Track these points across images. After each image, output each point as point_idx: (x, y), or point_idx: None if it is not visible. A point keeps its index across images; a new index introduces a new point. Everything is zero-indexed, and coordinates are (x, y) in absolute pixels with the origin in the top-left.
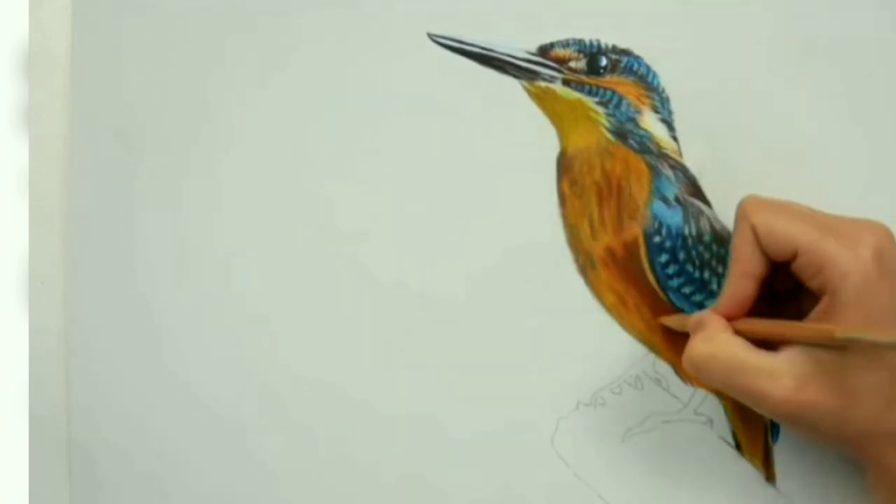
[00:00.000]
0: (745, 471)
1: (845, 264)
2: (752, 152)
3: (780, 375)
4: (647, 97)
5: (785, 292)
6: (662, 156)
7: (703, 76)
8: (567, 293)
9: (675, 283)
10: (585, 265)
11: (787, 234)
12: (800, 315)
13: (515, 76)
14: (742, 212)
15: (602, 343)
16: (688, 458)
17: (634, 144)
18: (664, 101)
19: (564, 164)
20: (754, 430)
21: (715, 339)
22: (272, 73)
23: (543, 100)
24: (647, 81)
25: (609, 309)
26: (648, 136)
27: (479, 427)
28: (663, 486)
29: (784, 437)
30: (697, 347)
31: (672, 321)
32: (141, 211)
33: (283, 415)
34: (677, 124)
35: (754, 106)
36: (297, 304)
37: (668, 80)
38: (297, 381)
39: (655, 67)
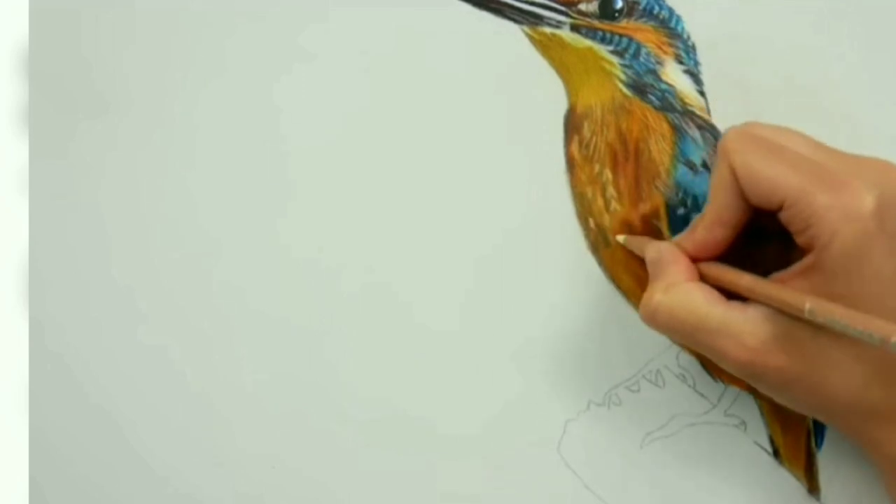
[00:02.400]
0: (784, 481)
1: (836, 221)
2: (789, 109)
3: (743, 335)
4: (670, 45)
5: (774, 231)
6: (687, 113)
7: (734, 20)
8: (575, 274)
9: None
10: (597, 242)
11: (772, 181)
12: (784, 259)
13: (516, 20)
14: (722, 149)
15: (617, 332)
16: (717, 466)
17: (655, 100)
18: (689, 50)
19: (573, 124)
20: (795, 434)
21: (676, 288)
22: (247, 32)
23: (549, 48)
24: (669, 27)
25: (625, 292)
26: (671, 91)
27: (475, 431)
28: (688, 500)
29: (830, 442)
30: (655, 298)
31: (632, 242)
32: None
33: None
34: (705, 77)
35: (793, 55)
36: (284, 301)
37: (693, 25)
38: (293, 382)
39: (679, 10)
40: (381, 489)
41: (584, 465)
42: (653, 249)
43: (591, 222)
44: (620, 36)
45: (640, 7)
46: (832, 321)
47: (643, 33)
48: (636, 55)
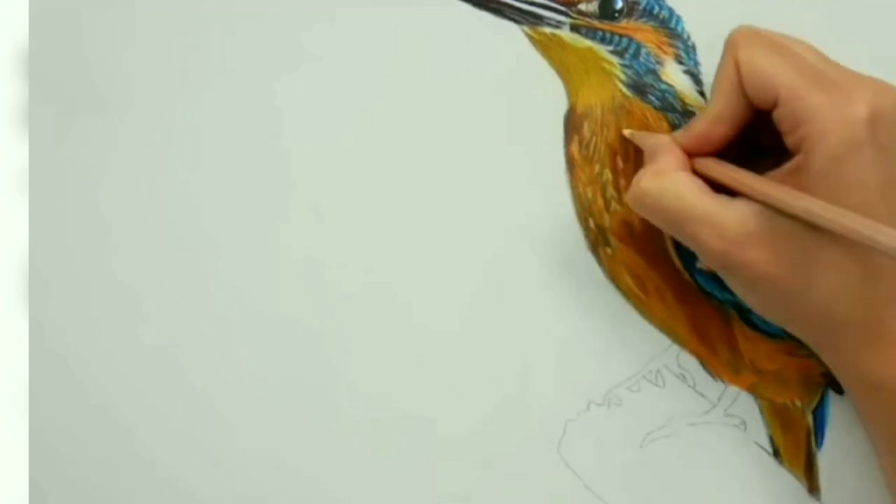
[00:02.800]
0: (784, 481)
1: (827, 122)
2: None
3: (724, 226)
4: (670, 45)
5: (772, 150)
6: (687, 114)
7: (734, 20)
8: (575, 275)
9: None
10: (597, 242)
11: (770, 75)
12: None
13: (516, 21)
14: (730, 42)
15: (617, 333)
16: (717, 466)
17: (655, 100)
18: (689, 50)
19: (573, 124)
20: (795, 434)
21: (665, 176)
22: (247, 32)
23: (548, 48)
24: (669, 27)
25: (625, 293)
26: (671, 91)
27: (475, 430)
28: (688, 500)
29: (830, 442)
30: (645, 182)
31: (636, 136)
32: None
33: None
34: (705, 77)
35: None
36: (285, 301)
37: (693, 25)
38: (289, 384)
39: (679, 10)
40: (381, 489)
41: (584, 465)
42: (651, 140)
43: (591, 222)
44: (620, 36)
45: (640, 7)
46: (831, 221)
47: (643, 33)
48: (636, 55)
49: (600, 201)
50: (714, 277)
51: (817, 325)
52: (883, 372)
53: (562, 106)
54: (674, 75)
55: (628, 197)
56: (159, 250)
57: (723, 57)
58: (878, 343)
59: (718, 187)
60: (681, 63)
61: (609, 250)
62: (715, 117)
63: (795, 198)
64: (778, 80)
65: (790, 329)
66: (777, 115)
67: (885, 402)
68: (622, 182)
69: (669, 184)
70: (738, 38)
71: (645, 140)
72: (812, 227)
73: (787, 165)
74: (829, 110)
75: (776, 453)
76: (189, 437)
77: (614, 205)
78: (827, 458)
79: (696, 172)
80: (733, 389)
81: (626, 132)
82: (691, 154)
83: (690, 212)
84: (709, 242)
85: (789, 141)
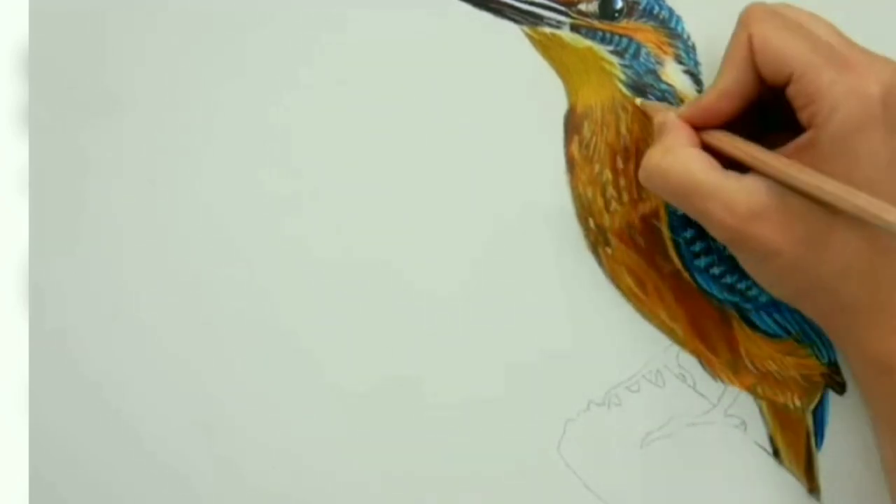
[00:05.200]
0: (784, 481)
1: (838, 97)
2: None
3: (734, 201)
4: (670, 45)
5: (781, 125)
6: None
7: (734, 21)
8: (575, 275)
9: (702, 262)
10: (597, 241)
11: (784, 52)
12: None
13: (516, 21)
14: (744, 17)
15: (617, 333)
16: (717, 466)
17: (654, 100)
18: (689, 50)
19: (573, 124)
20: (795, 434)
21: (674, 152)
22: (252, 33)
23: (548, 48)
24: (669, 27)
25: (625, 293)
26: (671, 91)
27: (473, 430)
28: (688, 500)
29: (830, 442)
30: (654, 159)
31: (647, 106)
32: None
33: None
34: (705, 77)
35: None
36: (290, 299)
37: (693, 25)
38: (286, 382)
39: (679, 10)
40: (381, 488)
41: (584, 465)
42: (660, 115)
43: (591, 222)
44: (620, 36)
45: (640, 7)
46: (841, 199)
47: (643, 33)
48: (636, 55)
49: (600, 201)
50: (714, 277)
51: (825, 303)
52: (889, 351)
53: (562, 106)
54: (674, 75)
55: (640, 174)
56: (160, 250)
57: (735, 32)
58: (885, 323)
59: (728, 164)
60: (681, 63)
61: (609, 250)
62: (723, 91)
63: (806, 174)
64: (791, 57)
65: (798, 306)
66: (790, 91)
67: (891, 384)
68: (622, 182)
69: (679, 160)
70: (752, 13)
71: (654, 112)
72: (822, 204)
73: (798, 141)
74: (842, 87)
75: (776, 453)
76: (190, 432)
77: (614, 205)
78: (827, 458)
79: (705, 147)
80: (733, 389)
81: (638, 101)
82: (698, 127)
83: (700, 187)
84: (718, 217)
85: (802, 116)
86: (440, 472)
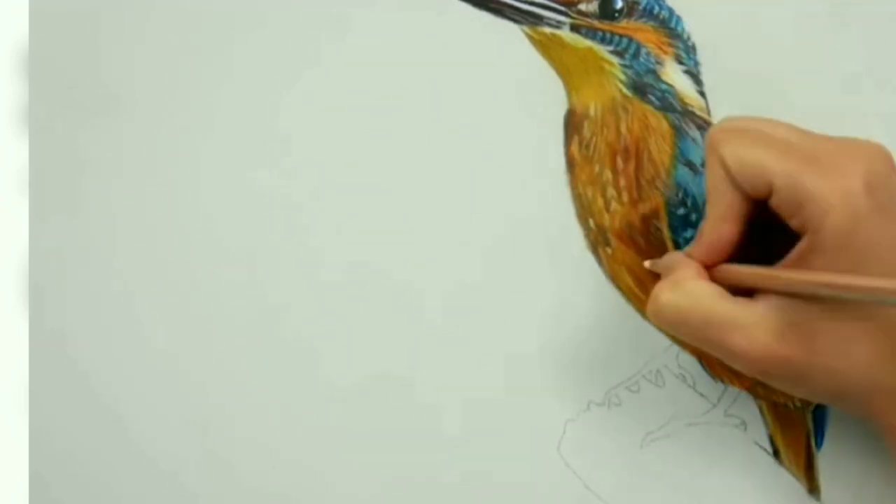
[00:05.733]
0: (783, 482)
1: (827, 200)
2: (792, 111)
3: (752, 328)
4: (670, 45)
5: (775, 241)
6: (687, 114)
7: (734, 20)
8: (575, 274)
9: None
10: (597, 241)
11: (760, 166)
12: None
13: (516, 21)
14: (710, 143)
15: (617, 333)
16: (717, 466)
17: (655, 100)
18: (689, 50)
19: (573, 124)
20: (795, 434)
21: (682, 285)
22: (253, 33)
23: (548, 48)
24: (669, 27)
25: (625, 292)
26: (671, 91)
27: (475, 430)
28: (688, 500)
29: (830, 442)
30: (663, 295)
31: (655, 265)
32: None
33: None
34: (705, 77)
35: (797, 57)
36: (289, 299)
37: (693, 25)
38: (286, 382)
39: (679, 10)
40: (380, 487)
41: (584, 465)
42: (667, 258)
43: (591, 222)
44: (620, 36)
45: (640, 7)
46: (850, 290)
47: (643, 33)
48: (636, 55)
49: (600, 201)
50: None
51: (866, 399)
52: None
53: (562, 106)
54: (674, 75)
55: (648, 313)
56: (160, 250)
57: (707, 159)
58: None
59: (738, 290)
60: (681, 63)
61: (609, 250)
62: (717, 218)
63: (817, 276)
64: (768, 169)
65: (841, 408)
66: (774, 201)
67: None
68: (622, 182)
69: (688, 292)
70: (716, 136)
71: (661, 262)
72: (834, 308)
73: (797, 251)
74: (827, 187)
75: (776, 453)
76: (188, 433)
77: (614, 205)
78: (827, 458)
79: (715, 282)
80: (733, 390)
81: (647, 264)
82: (707, 265)
83: (713, 318)
84: (742, 348)
85: (793, 224)
86: (440, 473)
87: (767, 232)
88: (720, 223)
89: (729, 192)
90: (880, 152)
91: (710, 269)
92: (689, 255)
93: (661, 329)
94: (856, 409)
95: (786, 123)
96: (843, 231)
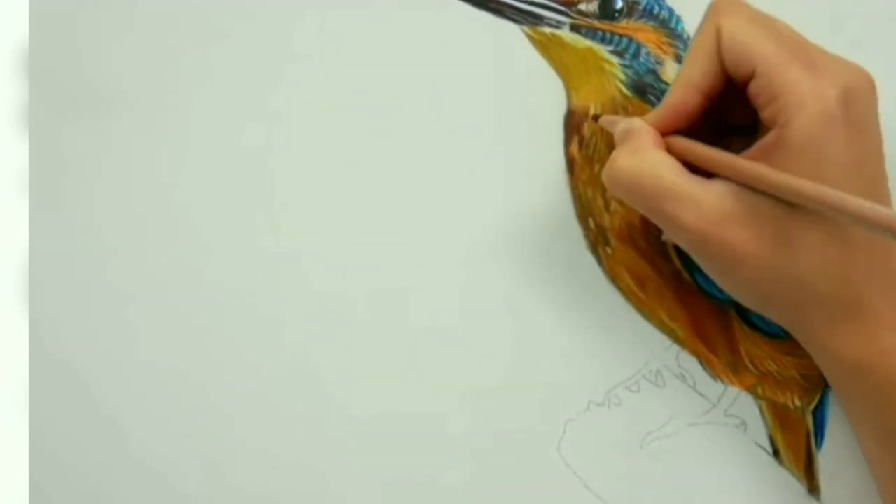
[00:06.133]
0: (783, 482)
1: (804, 95)
2: None
3: (704, 205)
4: (670, 45)
5: (741, 129)
6: None
7: None
8: (575, 274)
9: None
10: (597, 241)
11: (750, 46)
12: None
13: (516, 21)
14: (711, 9)
15: (617, 333)
16: (717, 466)
17: (655, 100)
18: None
19: (573, 124)
20: (795, 434)
21: (643, 154)
22: (253, 33)
23: (548, 48)
24: (669, 27)
25: (625, 293)
26: None
27: (473, 430)
28: (688, 500)
29: (830, 442)
30: (622, 160)
31: (606, 120)
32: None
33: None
34: None
35: None
36: (280, 301)
37: (693, 25)
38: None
39: (679, 10)
40: (380, 488)
41: (584, 465)
42: (623, 122)
43: (591, 222)
44: (620, 36)
45: (640, 7)
46: (812, 197)
47: (643, 33)
48: (636, 55)
49: (600, 201)
50: None
51: (796, 305)
52: (862, 350)
53: (562, 106)
54: (674, 75)
55: (604, 176)
56: (159, 250)
57: (702, 23)
58: (855, 322)
59: (693, 170)
60: (681, 63)
61: (609, 250)
62: (688, 81)
63: (774, 174)
64: (757, 51)
65: (766, 312)
66: (753, 87)
67: (865, 383)
68: None
69: (647, 162)
70: (720, 4)
71: (615, 123)
72: (790, 205)
73: (761, 143)
74: (807, 84)
75: (776, 453)
76: (188, 438)
77: (614, 205)
78: (827, 458)
79: (670, 153)
80: (733, 389)
81: (602, 119)
82: (664, 131)
83: (668, 190)
84: (687, 222)
85: (764, 115)
86: (440, 473)
87: (728, 133)
88: (689, 88)
89: (710, 61)
90: (866, 76)
91: (664, 136)
92: (646, 120)
93: (613, 194)
94: (779, 314)
95: (785, 22)
96: (812, 132)
